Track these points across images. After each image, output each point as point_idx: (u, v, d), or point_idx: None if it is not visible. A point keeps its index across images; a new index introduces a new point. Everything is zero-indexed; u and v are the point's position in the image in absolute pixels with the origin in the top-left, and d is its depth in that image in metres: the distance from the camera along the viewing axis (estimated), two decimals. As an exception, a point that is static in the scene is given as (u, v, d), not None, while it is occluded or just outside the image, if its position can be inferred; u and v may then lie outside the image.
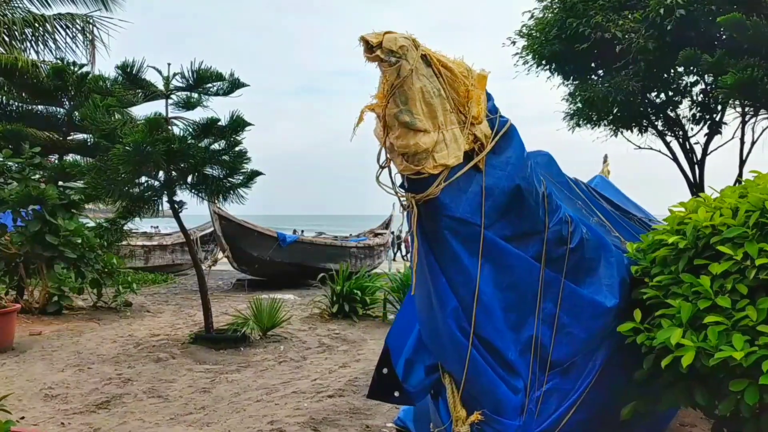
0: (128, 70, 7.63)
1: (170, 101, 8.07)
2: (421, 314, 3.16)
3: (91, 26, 14.89)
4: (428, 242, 2.96)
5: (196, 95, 8.13)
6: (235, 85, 7.98)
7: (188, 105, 8.17)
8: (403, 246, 36.90)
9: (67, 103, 11.13)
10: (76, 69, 11.28)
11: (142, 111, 11.89)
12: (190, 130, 7.75)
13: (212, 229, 21.49)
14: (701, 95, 12.47)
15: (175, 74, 7.92)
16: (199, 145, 7.64)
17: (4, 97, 10.67)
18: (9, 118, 10.75)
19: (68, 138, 11.48)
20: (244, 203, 8.33)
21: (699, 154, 13.33)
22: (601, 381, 3.25)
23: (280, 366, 7.44)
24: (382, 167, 2.90)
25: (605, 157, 13.06)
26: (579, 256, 3.19)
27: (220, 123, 7.75)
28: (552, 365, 3.12)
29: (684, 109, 13.19)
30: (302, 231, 27.10)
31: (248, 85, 8.11)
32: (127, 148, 7.13)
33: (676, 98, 12.57)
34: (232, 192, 8.13)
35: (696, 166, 13.22)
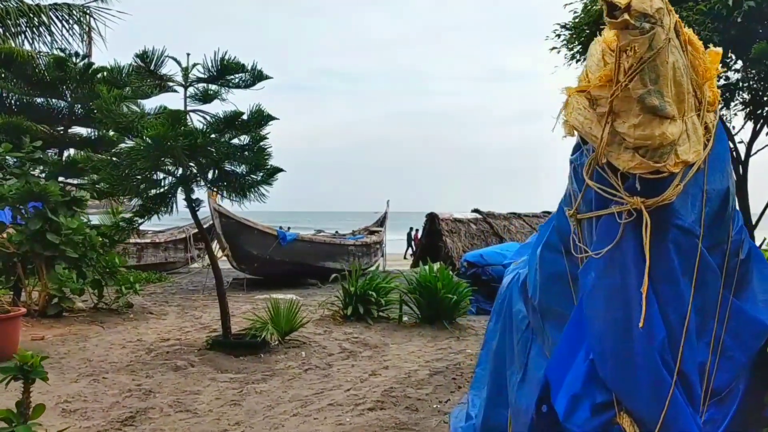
0: (147, 59, 7.07)
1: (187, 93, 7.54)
2: (605, 343, 2.66)
3: (88, 17, 14.23)
4: (641, 258, 2.45)
5: (215, 87, 7.60)
6: (257, 76, 7.46)
7: (205, 98, 7.64)
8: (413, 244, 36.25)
9: (68, 95, 10.50)
10: (77, 60, 10.66)
11: (150, 104, 11.32)
12: (211, 123, 7.21)
13: (206, 226, 20.99)
14: (750, 92, 11.84)
15: (194, 64, 7.38)
16: (222, 139, 7.10)
17: (1, 89, 9.99)
18: (8, 110, 10.11)
19: (69, 132, 10.84)
20: (265, 201, 7.83)
21: (743, 153, 12.86)
22: (741, 407, 2.84)
23: (307, 374, 6.95)
24: (596, 165, 2.39)
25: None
26: (745, 269, 2.76)
27: (243, 117, 7.22)
28: (712, 394, 2.68)
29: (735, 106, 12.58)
30: (288, 228, 26.31)
31: (271, 77, 7.59)
32: (147, 141, 6.59)
33: (726, 95, 12.01)
34: (253, 189, 7.61)
35: (740, 166, 12.77)
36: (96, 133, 10.67)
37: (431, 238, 16.64)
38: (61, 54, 10.57)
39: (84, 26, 14.13)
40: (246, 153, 7.35)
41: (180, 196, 7.87)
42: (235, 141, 7.51)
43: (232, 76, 7.35)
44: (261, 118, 7.27)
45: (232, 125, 7.22)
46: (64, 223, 9.72)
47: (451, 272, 10.55)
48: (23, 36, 13.48)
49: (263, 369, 7.12)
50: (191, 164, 7.38)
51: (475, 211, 17.52)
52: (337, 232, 21.50)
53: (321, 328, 9.54)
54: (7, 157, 9.40)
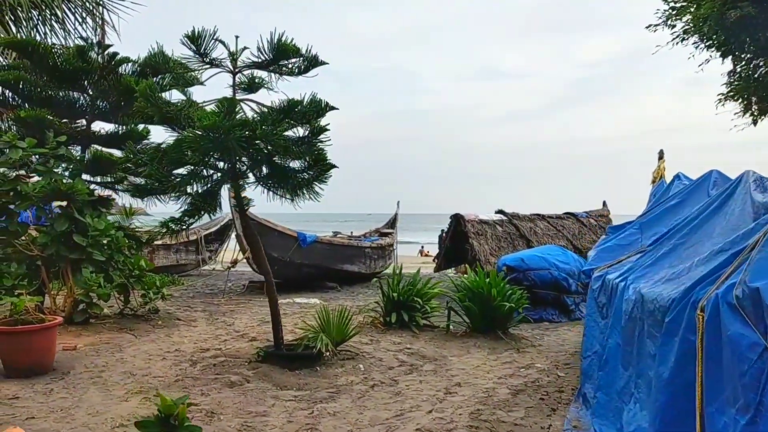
0: (198, 41, 6.34)
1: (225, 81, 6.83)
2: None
3: (101, 8, 13.46)
4: None
5: (262, 74, 6.90)
6: (311, 62, 6.74)
7: (251, 86, 6.92)
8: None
9: (90, 88, 9.74)
10: (98, 50, 9.91)
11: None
12: (266, 113, 6.49)
13: (217, 227, 20.22)
14: None
15: (243, 48, 6.67)
16: (280, 131, 6.37)
17: (21, 83, 9.22)
18: (31, 103, 9.34)
19: (91, 127, 10.07)
20: (319, 200, 7.12)
21: None
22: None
23: (375, 392, 6.26)
24: None
25: (661, 153, 12.10)
26: None
27: (301, 106, 6.50)
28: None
29: None
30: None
31: (327, 63, 6.88)
32: (199, 133, 5.89)
33: None
34: (308, 187, 6.92)
35: None
36: (122, 129, 9.91)
37: (455, 240, 15.95)
38: (83, 44, 9.78)
39: (97, 18, 13.38)
40: (303, 147, 6.64)
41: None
42: (288, 133, 6.80)
43: (287, 62, 6.64)
44: (319, 107, 6.56)
45: (289, 115, 6.50)
46: (91, 224, 8.99)
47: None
48: (35, 30, 12.73)
49: (325, 385, 6.42)
50: (242, 159, 6.67)
51: (500, 212, 16.85)
52: (352, 233, 20.82)
53: (365, 336, 8.85)
54: (30, 154, 8.64)
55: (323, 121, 6.70)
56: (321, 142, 6.63)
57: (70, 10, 13.30)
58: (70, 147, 10.08)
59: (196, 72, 6.62)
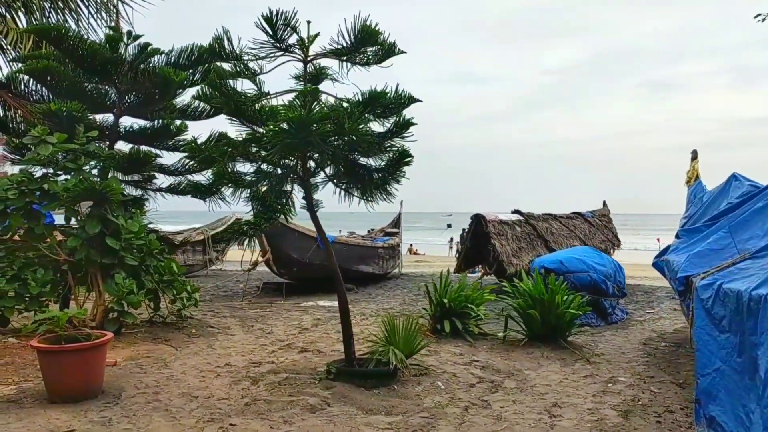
0: (275, 25, 5.46)
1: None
2: None
3: (116, 0, 12.47)
4: None
5: (328, 64, 6.05)
6: (389, 51, 5.89)
7: (315, 77, 6.07)
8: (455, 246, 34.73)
9: (120, 80, 8.76)
10: (128, 40, 8.93)
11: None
12: (348, 105, 5.62)
13: (224, 227, 19.18)
14: None
15: (316, 35, 5.80)
16: (363, 125, 5.50)
17: (50, 73, 8.21)
18: (58, 95, 8.33)
19: (119, 122, 9.10)
20: (392, 201, 6.28)
21: None
22: None
23: (472, 416, 5.44)
24: None
25: (694, 153, 11.44)
26: None
27: (385, 98, 5.64)
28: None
29: None
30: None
31: (405, 52, 6.04)
32: (284, 127, 5.01)
33: None
34: (384, 186, 6.07)
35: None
36: (155, 124, 8.95)
37: (475, 240, 15.19)
38: (112, 33, 8.81)
39: (111, 13, 12.38)
40: (387, 142, 5.78)
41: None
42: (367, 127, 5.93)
43: (368, 49, 5.78)
44: (403, 99, 5.71)
45: (373, 107, 5.64)
46: (124, 226, 8.05)
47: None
48: (47, 21, 11.70)
49: (414, 408, 5.59)
50: (315, 156, 5.81)
51: (516, 211, 16.13)
52: (368, 232, 19.95)
53: (420, 346, 8.02)
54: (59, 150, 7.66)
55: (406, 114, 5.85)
56: (405, 137, 5.77)
57: (83, 2, 12.33)
58: (96, 143, 9.13)
59: (268, 59, 5.73)
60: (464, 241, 16.65)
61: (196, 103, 9.03)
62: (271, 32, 5.50)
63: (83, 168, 7.86)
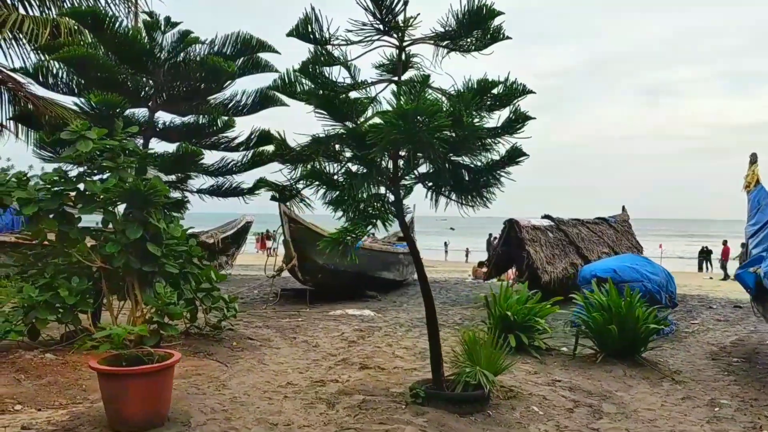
0: (383, 2, 4.80)
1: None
2: None
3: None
4: None
5: (413, 51, 5.42)
6: (495, 36, 5.25)
7: (405, 66, 5.44)
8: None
9: (157, 71, 8.08)
10: (168, 27, 8.25)
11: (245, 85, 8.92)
12: (457, 96, 4.98)
13: (234, 230, 18.48)
14: None
15: (416, 16, 5.16)
16: (481, 120, 4.86)
17: (87, 62, 7.50)
18: (93, 86, 7.62)
19: (155, 117, 8.39)
20: (489, 206, 5.65)
21: None
22: None
23: (589, 447, 4.85)
24: None
25: (753, 157, 10.89)
26: None
27: (497, 89, 5.01)
28: None
29: None
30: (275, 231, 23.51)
31: (510, 38, 5.43)
32: (394, 121, 4.38)
33: None
34: (487, 189, 5.43)
35: None
36: (199, 119, 8.27)
37: (507, 246, 14.62)
38: (149, 19, 8.13)
39: (131, 4, 11.68)
40: (498, 139, 5.15)
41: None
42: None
43: (473, 34, 5.15)
44: (516, 90, 5.09)
45: (483, 99, 5.00)
46: (166, 231, 7.39)
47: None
48: (62, 7, 10.99)
49: (522, 438, 4.99)
50: (406, 154, 5.17)
51: (546, 217, 15.58)
52: (386, 237, 19.28)
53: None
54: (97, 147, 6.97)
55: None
56: (517, 133, 5.14)
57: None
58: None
59: (364, 44, 5.10)
60: (495, 247, 16.01)
61: (240, 96, 8.37)
62: (376, 11, 4.85)
63: (123, 167, 7.20)
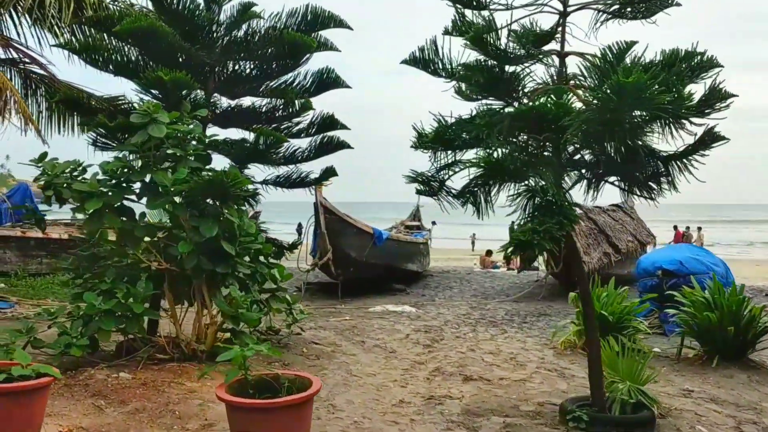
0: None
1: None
2: None
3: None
4: None
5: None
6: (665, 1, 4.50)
7: (548, 35, 4.64)
8: None
9: (217, 47, 7.11)
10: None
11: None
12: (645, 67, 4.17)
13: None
14: None
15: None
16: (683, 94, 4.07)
17: (151, 36, 6.48)
18: (157, 63, 6.61)
19: (212, 99, 7.40)
20: (672, 194, 4.84)
21: None
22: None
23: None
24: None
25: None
26: None
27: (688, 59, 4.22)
28: None
29: None
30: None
31: (680, 5, 4.65)
32: (608, 97, 3.58)
33: None
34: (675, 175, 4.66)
35: None
36: (274, 102, 7.32)
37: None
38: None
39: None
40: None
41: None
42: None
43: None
44: (704, 63, 4.31)
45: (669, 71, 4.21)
46: (243, 227, 6.49)
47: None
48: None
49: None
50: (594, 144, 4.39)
51: (576, 205, 14.90)
52: (394, 227, 18.50)
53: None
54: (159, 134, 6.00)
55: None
56: (714, 112, 4.36)
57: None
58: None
59: (528, 8, 4.28)
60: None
61: (303, 76, 7.46)
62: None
63: (190, 156, 6.27)
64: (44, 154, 6.15)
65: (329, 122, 7.89)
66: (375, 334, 8.60)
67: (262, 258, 7.19)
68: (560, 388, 6.10)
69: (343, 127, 8.04)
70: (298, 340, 7.83)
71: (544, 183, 4.16)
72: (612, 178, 4.88)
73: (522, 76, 4.40)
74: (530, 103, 4.23)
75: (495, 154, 4.12)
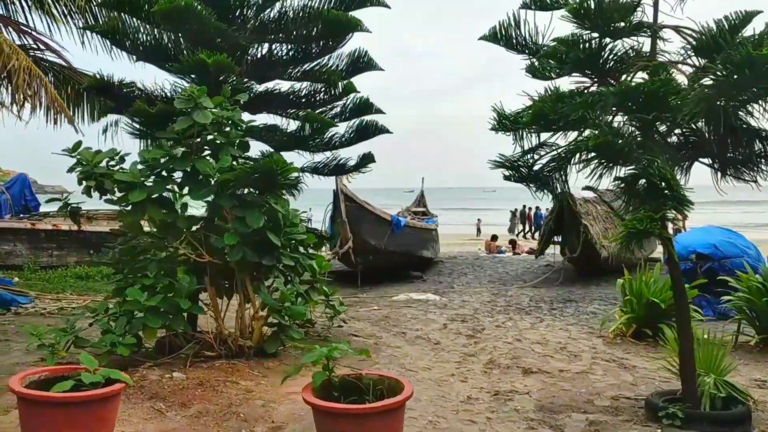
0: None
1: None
2: None
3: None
4: None
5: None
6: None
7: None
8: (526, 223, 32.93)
9: (246, 27, 6.71)
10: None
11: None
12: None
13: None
14: None
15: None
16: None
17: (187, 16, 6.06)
18: (194, 45, 6.20)
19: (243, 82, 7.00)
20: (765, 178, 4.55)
21: None
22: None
23: None
24: None
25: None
26: None
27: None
28: None
29: None
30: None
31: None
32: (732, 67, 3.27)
33: None
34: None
35: None
36: (309, 85, 6.94)
37: (559, 220, 13.68)
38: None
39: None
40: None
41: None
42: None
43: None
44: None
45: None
46: (287, 217, 6.15)
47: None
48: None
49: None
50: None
51: (588, 188, 14.62)
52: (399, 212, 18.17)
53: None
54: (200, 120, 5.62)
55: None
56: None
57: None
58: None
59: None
60: (546, 222, 15.04)
61: (341, 58, 7.10)
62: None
63: (233, 143, 5.91)
64: (78, 143, 5.77)
65: (364, 106, 7.52)
66: (411, 325, 8.30)
67: (301, 249, 6.88)
68: (626, 380, 5.84)
69: (378, 111, 7.67)
70: (337, 333, 7.52)
71: (656, 165, 3.83)
72: (706, 160, 4.56)
73: (621, 52, 4.08)
74: (634, 82, 3.92)
75: (605, 136, 3.80)
